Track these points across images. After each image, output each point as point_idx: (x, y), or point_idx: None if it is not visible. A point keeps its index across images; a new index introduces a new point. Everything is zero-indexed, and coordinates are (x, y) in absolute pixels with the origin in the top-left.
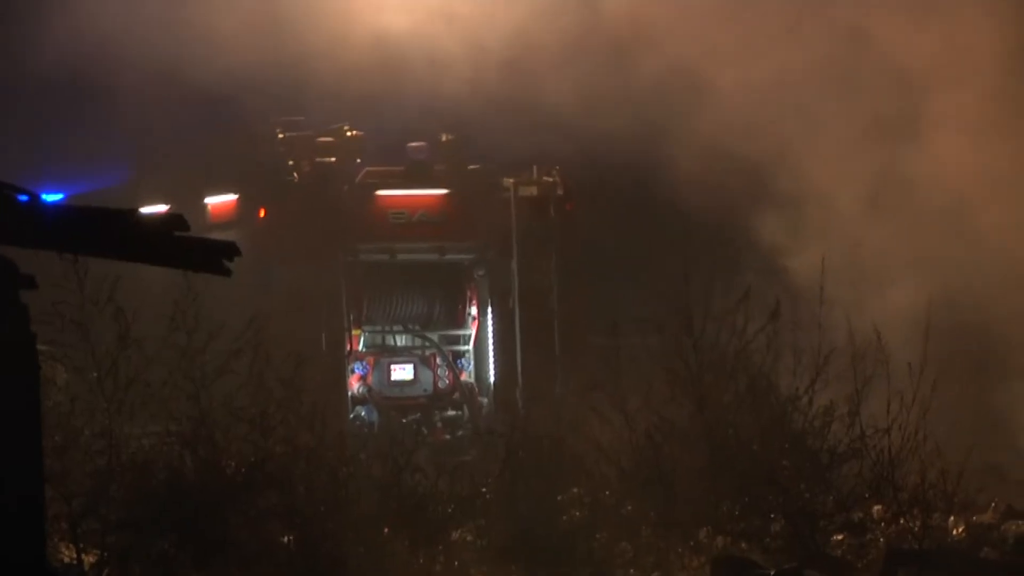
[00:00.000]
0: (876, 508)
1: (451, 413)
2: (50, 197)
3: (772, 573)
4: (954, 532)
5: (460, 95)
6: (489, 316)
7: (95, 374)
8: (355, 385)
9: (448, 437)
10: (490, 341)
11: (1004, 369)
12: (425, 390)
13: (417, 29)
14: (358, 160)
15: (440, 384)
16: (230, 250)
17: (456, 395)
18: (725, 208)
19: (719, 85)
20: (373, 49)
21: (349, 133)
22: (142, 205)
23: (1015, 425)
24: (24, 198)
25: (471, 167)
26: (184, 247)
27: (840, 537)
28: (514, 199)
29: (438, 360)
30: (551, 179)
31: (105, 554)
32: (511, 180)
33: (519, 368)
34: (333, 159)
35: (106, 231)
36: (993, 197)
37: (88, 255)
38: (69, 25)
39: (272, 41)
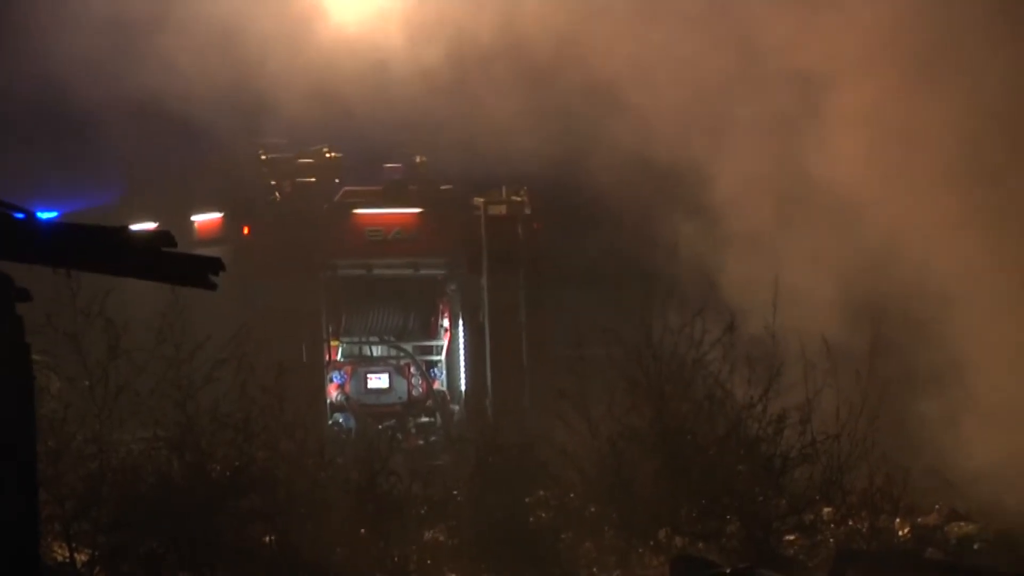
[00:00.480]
0: (826, 510)
1: (424, 420)
2: (44, 215)
3: (728, 572)
4: (900, 533)
5: (427, 118)
6: (460, 328)
7: (87, 383)
8: (333, 393)
9: (421, 443)
10: (461, 352)
11: (942, 377)
12: (400, 398)
13: (384, 54)
14: (336, 180)
15: (414, 392)
16: (215, 265)
17: (429, 403)
18: (673, 223)
19: (637, 101)
20: (350, 75)
21: (328, 155)
22: (132, 222)
23: (956, 432)
24: (20, 215)
25: (443, 187)
26: (172, 262)
27: (792, 538)
28: (484, 218)
29: (412, 370)
30: (519, 199)
31: (96, 553)
32: (481, 200)
33: (489, 377)
34: (313, 179)
35: (97, 247)
36: (913, 201)
37: (80, 270)
38: (58, 52)
39: (256, 67)
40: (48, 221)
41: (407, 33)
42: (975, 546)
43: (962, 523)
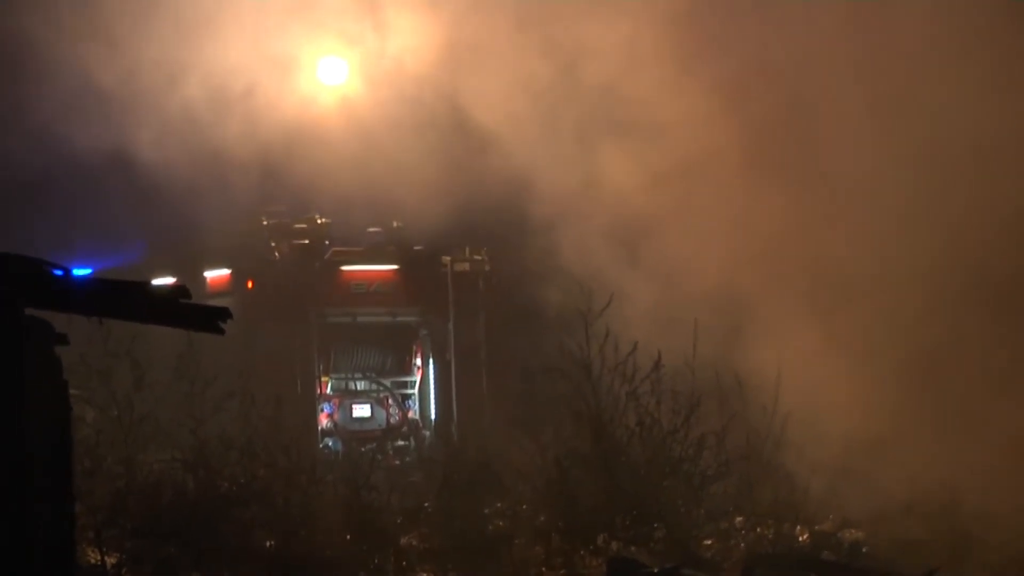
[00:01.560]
0: (738, 519)
1: (401, 443)
2: (79, 271)
3: (656, 571)
4: (800, 539)
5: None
6: (431, 366)
7: (115, 412)
8: (324, 421)
9: (398, 462)
10: (432, 386)
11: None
12: (380, 425)
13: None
14: (327, 242)
15: (392, 420)
16: (224, 314)
17: (404, 429)
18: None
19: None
20: (341, 157)
21: (319, 220)
22: (153, 278)
23: (847, 452)
24: (59, 272)
25: (416, 248)
26: (187, 312)
27: (710, 542)
28: (450, 273)
29: (390, 401)
30: (479, 257)
31: (123, 556)
32: (448, 258)
33: (455, 407)
34: (307, 241)
35: (124, 299)
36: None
37: (110, 318)
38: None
39: (262, 148)
40: (82, 277)
41: (386, 126)
42: (864, 550)
43: (853, 530)
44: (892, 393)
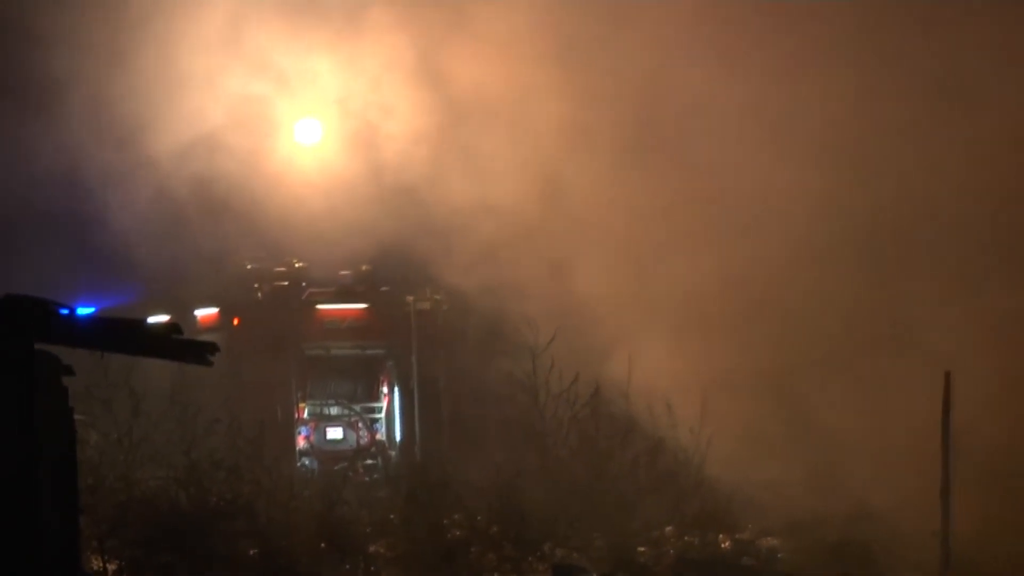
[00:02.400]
0: (668, 528)
1: (369, 462)
2: (83, 310)
3: (595, 575)
4: (723, 546)
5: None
6: (396, 393)
7: (116, 436)
8: (301, 442)
9: (367, 479)
10: (397, 411)
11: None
12: (351, 446)
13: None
14: (303, 284)
15: (361, 441)
16: (212, 348)
17: (373, 449)
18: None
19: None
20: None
21: (297, 265)
22: (149, 316)
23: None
24: (64, 311)
25: (383, 289)
26: (179, 346)
27: (643, 549)
28: (413, 311)
29: (360, 424)
30: (438, 297)
31: (123, 563)
32: (411, 298)
33: (417, 430)
34: (286, 283)
35: (124, 335)
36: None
37: (111, 352)
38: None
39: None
40: (86, 315)
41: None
42: (779, 555)
43: (769, 538)
44: (802, 410)
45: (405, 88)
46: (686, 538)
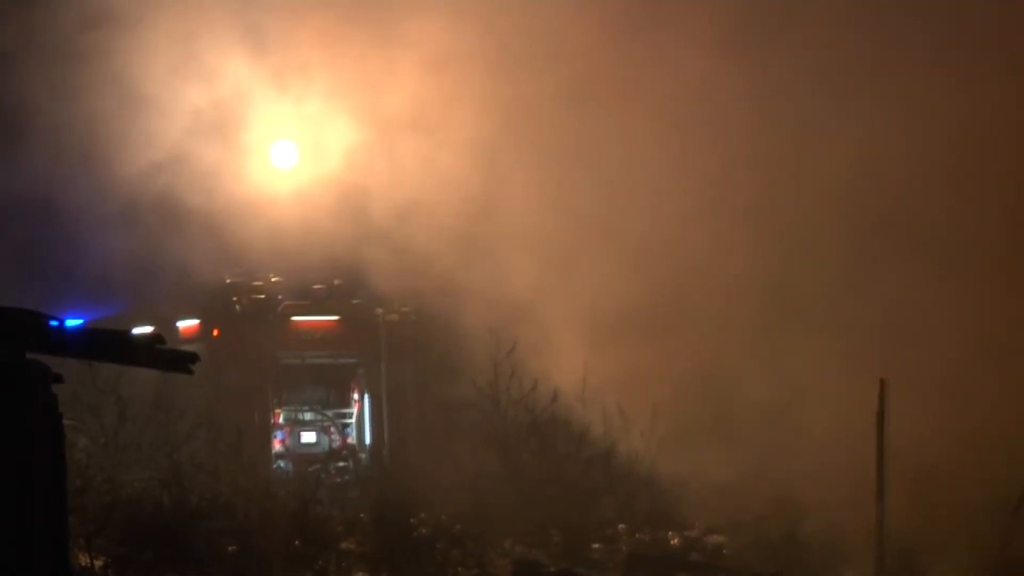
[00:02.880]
0: (621, 526)
1: (341, 464)
2: (72, 322)
3: (553, 570)
4: (672, 542)
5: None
6: (366, 400)
7: (103, 440)
8: (277, 446)
9: (339, 480)
10: (367, 417)
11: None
12: (324, 449)
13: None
14: (280, 296)
15: (334, 445)
16: (193, 358)
17: (344, 453)
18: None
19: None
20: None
21: (274, 279)
22: (134, 327)
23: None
24: (54, 323)
25: (354, 301)
26: (163, 355)
27: (598, 546)
28: (382, 323)
29: (332, 429)
30: (407, 310)
31: (109, 560)
32: (380, 310)
33: (386, 434)
34: (263, 296)
35: (110, 345)
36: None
37: (98, 360)
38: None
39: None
40: (74, 326)
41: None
42: (724, 551)
43: (716, 535)
44: (747, 416)
45: (348, 110)
46: (637, 535)
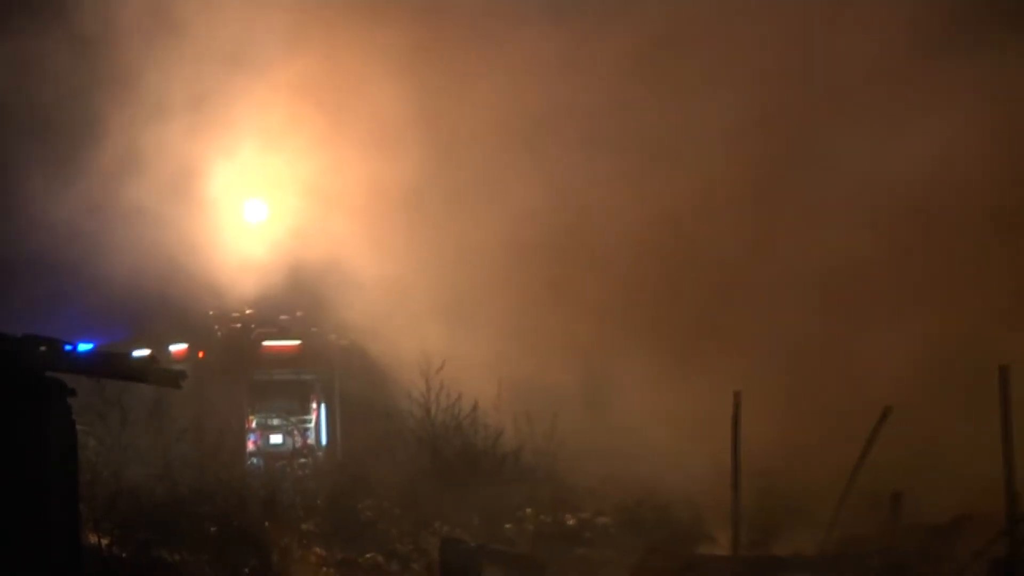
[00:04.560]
0: (528, 510)
1: (302, 461)
2: (84, 346)
3: (473, 545)
4: (569, 523)
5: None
6: (323, 409)
7: (108, 442)
8: (250, 446)
9: (300, 474)
10: (323, 422)
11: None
12: (288, 449)
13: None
14: (253, 325)
15: (296, 445)
16: (182, 375)
17: (305, 451)
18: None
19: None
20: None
21: (248, 311)
22: (134, 350)
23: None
24: (69, 347)
25: (312, 329)
26: (157, 373)
27: (509, 526)
28: (336, 346)
29: (295, 432)
30: (355, 336)
31: (113, 539)
32: (334, 336)
33: (338, 437)
34: (239, 325)
35: (114, 365)
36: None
37: (104, 378)
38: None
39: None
40: (85, 350)
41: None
42: (610, 529)
43: (603, 517)
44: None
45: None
46: (541, 517)
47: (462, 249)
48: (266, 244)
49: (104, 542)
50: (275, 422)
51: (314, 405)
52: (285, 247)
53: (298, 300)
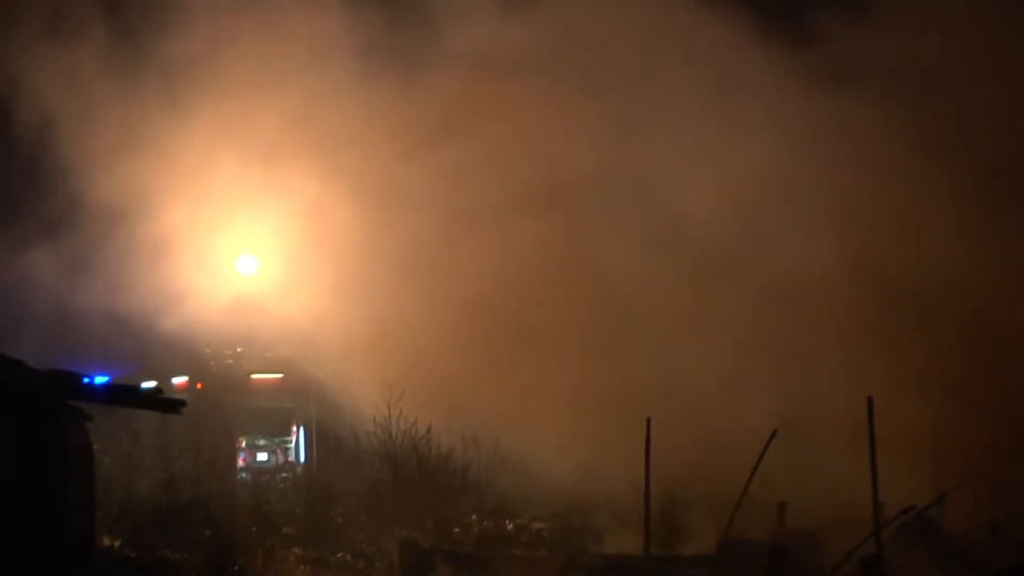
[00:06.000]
0: (474, 516)
1: (284, 475)
2: (99, 379)
3: (427, 547)
4: (508, 527)
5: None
6: (302, 432)
7: (120, 459)
8: (240, 463)
9: (282, 486)
10: (302, 443)
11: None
12: (272, 465)
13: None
14: (242, 362)
15: (279, 462)
16: (182, 404)
17: (286, 467)
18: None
19: None
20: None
21: (238, 350)
22: (142, 382)
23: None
24: (87, 379)
25: (293, 365)
26: (161, 402)
27: (458, 530)
28: (313, 379)
29: (279, 451)
30: (328, 370)
31: (125, 540)
32: (311, 370)
33: (314, 455)
34: (231, 361)
35: (125, 395)
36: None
37: (117, 406)
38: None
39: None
40: (101, 382)
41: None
42: (544, 533)
43: (538, 522)
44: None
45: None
46: (484, 523)
47: (420, 305)
48: (255, 293)
49: (116, 543)
50: (261, 442)
51: (294, 428)
52: (271, 295)
53: (281, 340)
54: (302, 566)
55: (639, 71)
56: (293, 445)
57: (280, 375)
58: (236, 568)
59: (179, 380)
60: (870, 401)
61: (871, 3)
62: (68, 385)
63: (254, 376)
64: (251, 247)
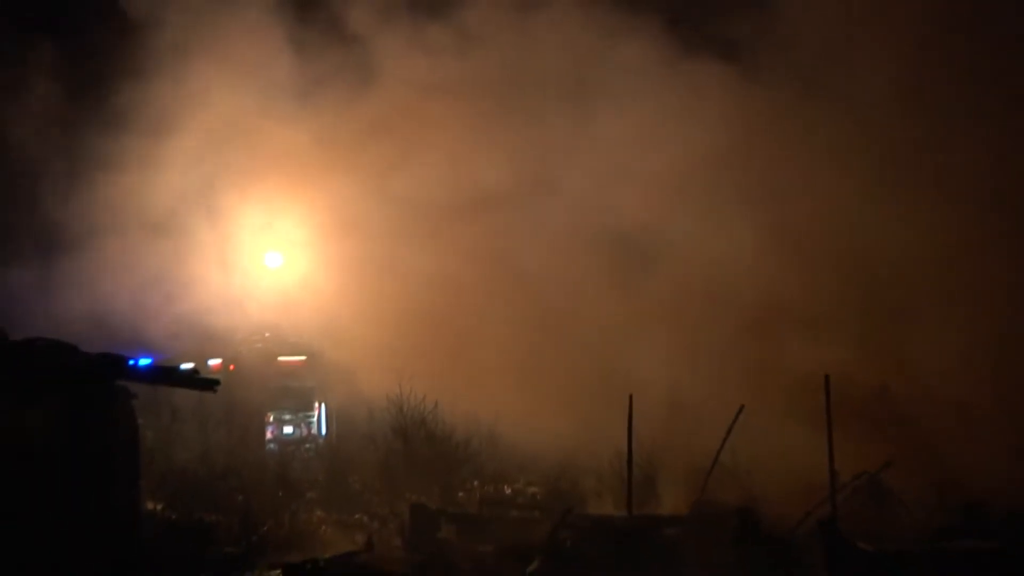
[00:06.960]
0: (475, 481)
1: (308, 446)
2: (143, 361)
3: (435, 509)
4: (507, 491)
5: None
6: (323, 407)
7: (161, 433)
8: (269, 435)
9: (306, 456)
10: (323, 418)
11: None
12: (297, 437)
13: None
14: (270, 346)
15: (303, 434)
16: (217, 383)
17: (309, 439)
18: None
19: None
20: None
21: (267, 335)
22: (181, 364)
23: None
24: (132, 361)
25: (315, 347)
26: (198, 382)
27: (461, 494)
28: (333, 360)
29: (303, 424)
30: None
31: (165, 505)
32: (332, 352)
33: (334, 429)
34: (260, 345)
35: (166, 375)
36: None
37: (159, 384)
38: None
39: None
40: (145, 364)
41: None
42: (537, 497)
43: (532, 487)
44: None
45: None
46: (485, 487)
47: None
48: (281, 284)
49: (159, 507)
50: (287, 417)
51: (316, 405)
52: (296, 286)
53: (305, 326)
54: (323, 527)
55: (556, 75)
56: (315, 419)
57: (303, 357)
58: (265, 528)
59: (214, 362)
60: (826, 380)
61: None
62: (116, 367)
63: (280, 358)
64: (277, 244)
